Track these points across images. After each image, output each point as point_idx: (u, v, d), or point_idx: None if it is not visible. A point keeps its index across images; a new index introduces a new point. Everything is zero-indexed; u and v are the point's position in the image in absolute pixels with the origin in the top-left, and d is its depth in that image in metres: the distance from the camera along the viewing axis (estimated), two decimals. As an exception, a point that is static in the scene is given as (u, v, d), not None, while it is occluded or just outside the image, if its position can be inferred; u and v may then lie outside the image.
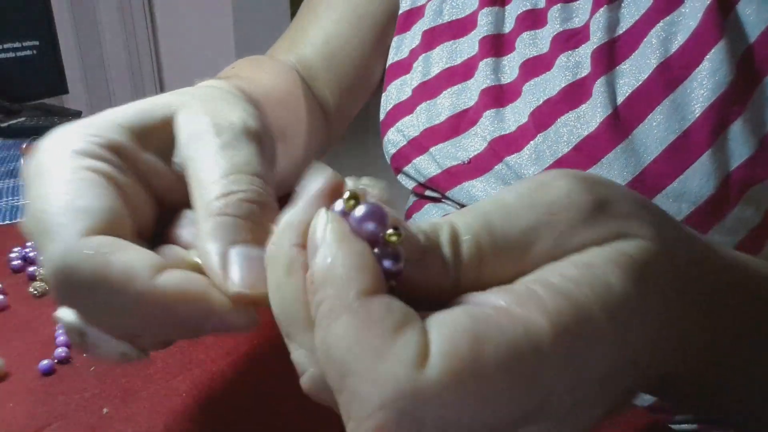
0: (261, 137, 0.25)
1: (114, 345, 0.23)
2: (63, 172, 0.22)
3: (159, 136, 0.25)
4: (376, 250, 0.17)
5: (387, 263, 0.17)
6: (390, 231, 0.17)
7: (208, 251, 0.21)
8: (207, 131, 0.23)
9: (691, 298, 0.20)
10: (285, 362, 0.35)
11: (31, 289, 0.43)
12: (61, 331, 0.37)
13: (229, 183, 0.22)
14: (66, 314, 0.24)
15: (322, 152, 0.61)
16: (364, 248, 0.17)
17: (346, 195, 0.18)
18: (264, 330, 0.38)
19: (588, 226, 0.18)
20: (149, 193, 0.25)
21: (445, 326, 0.16)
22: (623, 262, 0.18)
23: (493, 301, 0.17)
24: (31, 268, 0.45)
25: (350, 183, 0.19)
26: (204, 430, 0.30)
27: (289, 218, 0.18)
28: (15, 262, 0.46)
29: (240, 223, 0.21)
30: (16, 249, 0.48)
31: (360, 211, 0.17)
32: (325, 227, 0.17)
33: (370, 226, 0.17)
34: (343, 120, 0.62)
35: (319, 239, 0.17)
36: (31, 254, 0.47)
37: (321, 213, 0.17)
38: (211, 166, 0.22)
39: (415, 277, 0.18)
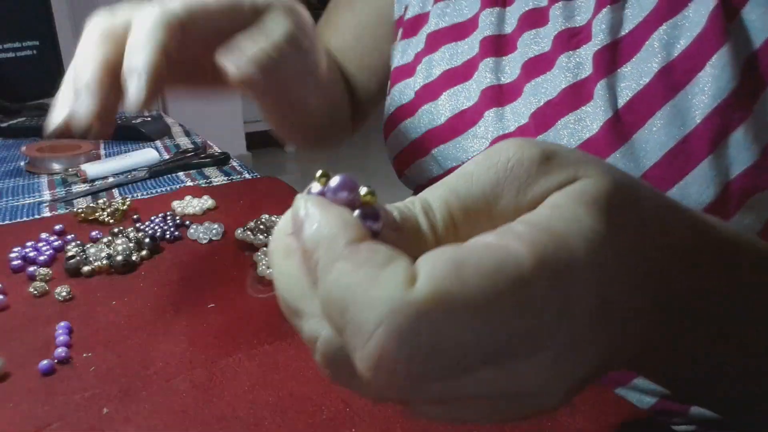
0: (300, 42, 0.42)
1: None
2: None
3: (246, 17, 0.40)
4: (357, 211, 0.19)
5: (368, 223, 0.19)
6: (364, 191, 0.19)
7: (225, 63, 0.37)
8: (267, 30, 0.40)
9: (655, 242, 0.21)
10: (285, 362, 0.35)
11: (31, 289, 0.43)
12: (61, 331, 0.37)
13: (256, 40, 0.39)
14: None
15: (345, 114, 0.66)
16: (343, 210, 0.18)
17: (318, 174, 0.19)
18: (264, 330, 0.38)
19: (543, 174, 0.20)
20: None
21: (430, 257, 0.17)
22: (586, 199, 0.19)
23: (472, 240, 0.18)
24: (31, 268, 0.45)
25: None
26: (204, 430, 0.30)
27: (280, 222, 0.20)
28: (15, 262, 0.46)
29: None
30: (16, 249, 0.48)
31: (333, 182, 0.19)
32: (305, 204, 0.19)
33: (344, 194, 0.19)
34: (370, 102, 0.68)
35: (303, 214, 0.19)
36: (30, 254, 0.47)
37: (299, 196, 0.19)
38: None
39: (402, 242, 0.19)
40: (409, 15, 0.56)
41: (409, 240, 0.19)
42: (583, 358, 0.19)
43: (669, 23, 0.39)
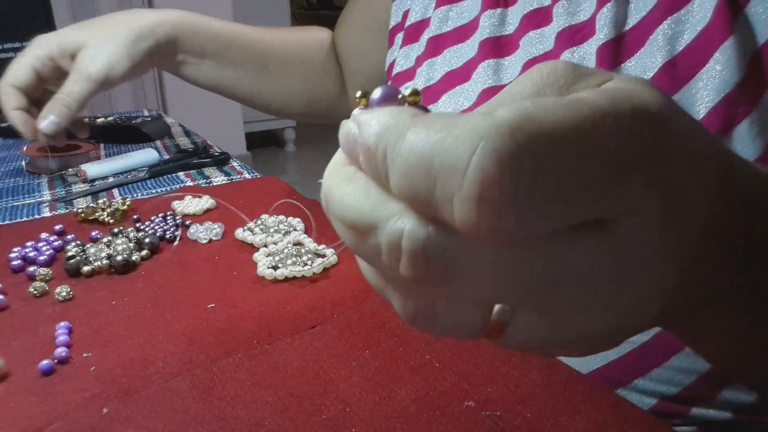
0: (97, 81, 0.62)
1: None
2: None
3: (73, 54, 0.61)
4: (409, 98, 0.18)
5: None
6: (408, 92, 0.18)
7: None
8: (78, 70, 0.62)
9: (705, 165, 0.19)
10: (285, 362, 0.35)
11: (31, 289, 0.43)
12: (61, 331, 0.37)
13: (61, 97, 0.61)
14: None
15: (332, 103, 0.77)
16: (394, 106, 0.17)
17: (358, 95, 0.19)
18: (264, 330, 0.38)
19: (580, 77, 0.19)
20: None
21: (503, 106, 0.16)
22: (642, 84, 0.18)
23: None
24: (31, 268, 0.45)
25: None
26: (204, 430, 0.30)
27: (331, 163, 0.19)
28: (15, 262, 0.46)
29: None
30: (16, 249, 0.48)
31: (375, 95, 0.18)
32: (353, 120, 0.18)
33: (389, 102, 0.18)
34: None
35: (355, 127, 0.17)
36: (30, 254, 0.47)
37: (344, 122, 0.18)
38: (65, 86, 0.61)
39: None
40: (410, 21, 0.57)
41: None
42: (676, 243, 0.17)
43: (673, 17, 0.39)
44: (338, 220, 0.18)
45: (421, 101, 0.18)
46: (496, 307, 0.18)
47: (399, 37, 0.59)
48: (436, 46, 0.53)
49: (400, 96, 0.18)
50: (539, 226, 0.15)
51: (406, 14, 0.59)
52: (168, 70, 0.72)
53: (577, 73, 0.19)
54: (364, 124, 0.17)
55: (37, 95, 0.65)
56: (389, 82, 0.59)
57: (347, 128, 0.18)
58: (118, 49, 0.63)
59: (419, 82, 0.53)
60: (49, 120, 0.61)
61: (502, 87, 0.47)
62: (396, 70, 0.58)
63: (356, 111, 0.18)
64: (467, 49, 0.50)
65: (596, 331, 0.18)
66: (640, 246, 0.17)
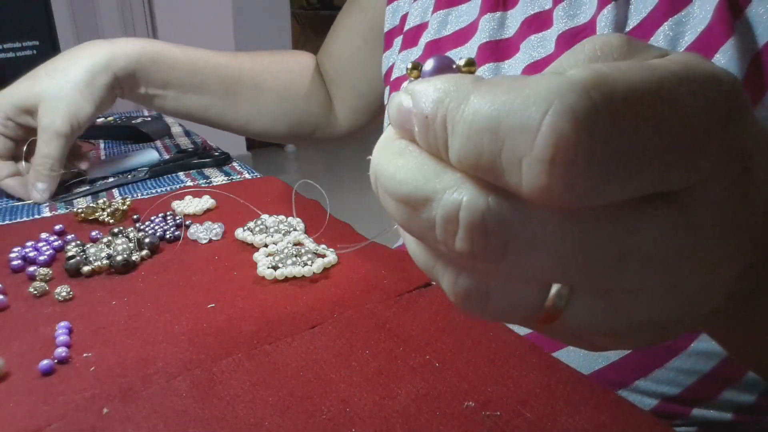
0: (66, 135, 0.60)
1: None
2: None
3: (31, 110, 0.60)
4: (464, 67, 0.17)
5: None
6: (463, 62, 0.17)
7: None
8: (44, 129, 0.59)
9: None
10: (285, 362, 0.35)
11: (31, 289, 0.43)
12: (61, 331, 0.37)
13: (40, 162, 0.59)
14: None
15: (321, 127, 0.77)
16: (450, 74, 0.16)
17: (409, 67, 0.18)
18: (264, 330, 0.38)
19: (635, 50, 0.18)
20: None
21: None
22: (700, 59, 0.17)
23: None
24: (31, 268, 0.45)
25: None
26: (204, 430, 0.30)
27: (381, 139, 0.18)
28: (15, 262, 0.46)
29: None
30: (16, 249, 0.48)
31: (428, 66, 0.17)
32: (407, 92, 0.17)
33: (443, 73, 0.17)
34: (356, 117, 0.76)
35: (406, 101, 0.16)
36: (30, 254, 0.47)
37: (394, 94, 0.17)
38: (39, 148, 0.59)
39: None
40: (409, 25, 0.57)
41: None
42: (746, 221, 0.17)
43: (674, 19, 0.39)
44: (389, 195, 0.17)
45: (476, 71, 0.17)
46: (552, 289, 0.17)
47: (398, 41, 0.60)
48: (435, 49, 0.53)
49: (454, 66, 0.17)
50: (613, 192, 0.14)
51: (404, 18, 0.59)
52: (136, 102, 0.70)
53: (631, 45, 0.18)
54: (419, 93, 0.16)
55: (16, 150, 0.63)
56: (387, 87, 0.59)
57: (398, 100, 0.17)
58: (76, 95, 0.60)
59: None
60: (39, 190, 0.60)
61: None
62: (395, 74, 0.58)
63: (406, 84, 0.17)
64: (466, 53, 0.50)
65: (658, 318, 0.17)
66: (712, 220, 0.16)
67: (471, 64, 0.17)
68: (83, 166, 0.67)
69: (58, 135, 0.59)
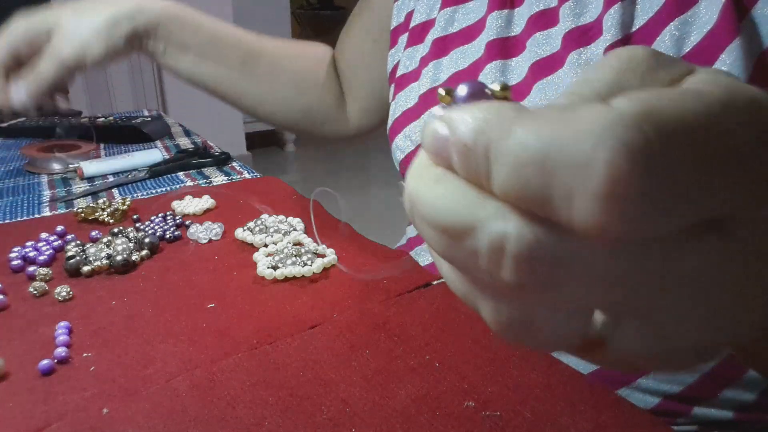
0: (68, 66, 0.61)
1: None
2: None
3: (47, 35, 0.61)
4: (497, 92, 0.17)
5: None
6: (497, 87, 0.17)
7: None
8: (49, 53, 0.61)
9: None
10: (285, 362, 0.35)
11: (31, 289, 0.43)
12: (61, 331, 0.37)
13: (32, 77, 0.61)
14: None
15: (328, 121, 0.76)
16: (488, 102, 0.16)
17: (442, 93, 0.17)
18: (264, 330, 0.38)
19: (662, 65, 0.18)
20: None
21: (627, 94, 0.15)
22: (731, 77, 0.17)
23: None
24: (31, 268, 0.45)
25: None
26: (204, 430, 0.30)
27: (414, 164, 0.18)
28: (15, 262, 0.46)
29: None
30: (16, 249, 0.48)
31: (462, 91, 0.17)
32: (443, 120, 0.16)
33: (477, 99, 0.17)
34: (369, 116, 0.75)
35: (442, 128, 0.16)
36: (30, 254, 0.47)
37: (428, 122, 0.17)
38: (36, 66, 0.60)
39: None
40: (415, 22, 0.57)
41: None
42: None
43: (680, 19, 0.39)
44: (428, 224, 0.16)
45: (510, 96, 0.17)
46: (597, 317, 0.17)
47: (403, 39, 0.59)
48: (443, 47, 0.53)
49: (487, 91, 0.17)
50: (665, 224, 0.14)
51: (409, 15, 0.59)
52: (151, 57, 0.70)
53: (659, 60, 0.18)
54: (457, 122, 0.16)
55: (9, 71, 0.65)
56: (393, 85, 0.59)
57: (434, 128, 0.16)
58: (93, 33, 0.62)
59: (425, 83, 0.53)
60: (20, 93, 0.61)
61: None
62: (400, 71, 0.58)
63: (437, 109, 0.17)
64: (474, 50, 0.50)
65: (701, 342, 0.17)
66: (757, 247, 0.16)
67: (505, 89, 0.17)
68: (62, 104, 0.68)
69: (61, 62, 0.60)
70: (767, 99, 0.16)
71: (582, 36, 0.44)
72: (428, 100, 0.52)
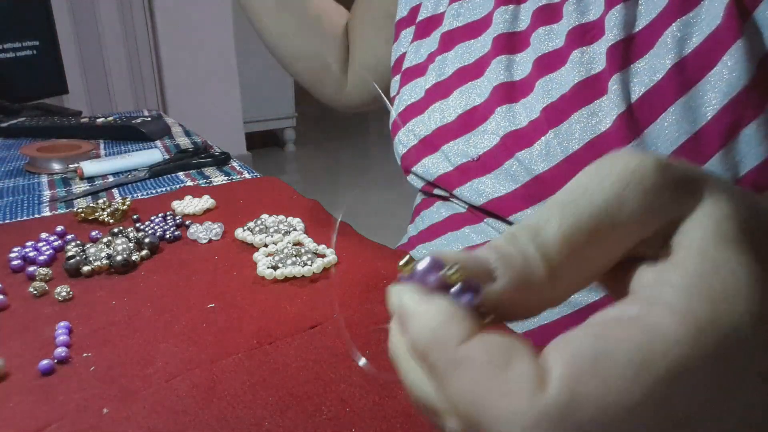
0: None
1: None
2: None
3: None
4: (452, 290, 0.18)
5: (465, 299, 0.18)
6: (448, 272, 0.18)
7: None
8: None
9: None
10: (285, 362, 0.35)
11: (31, 289, 0.43)
12: (61, 331, 0.37)
13: None
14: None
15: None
16: (440, 302, 0.17)
17: (402, 263, 0.19)
18: (264, 330, 0.38)
19: (665, 186, 0.18)
20: None
21: (562, 351, 0.16)
22: (731, 236, 0.17)
23: (612, 314, 0.16)
24: (31, 268, 0.45)
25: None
26: (204, 430, 0.30)
27: (392, 323, 0.19)
28: (15, 262, 0.46)
29: None
30: (16, 249, 0.48)
31: (420, 266, 0.18)
32: (399, 298, 0.18)
33: (433, 276, 0.18)
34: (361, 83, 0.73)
35: (401, 312, 0.18)
36: (30, 254, 0.47)
37: (391, 290, 0.19)
38: None
39: (510, 293, 0.18)
40: (421, 17, 0.57)
41: (516, 284, 0.18)
42: None
43: (682, 20, 0.39)
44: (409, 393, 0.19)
45: (464, 277, 0.18)
46: None
47: (408, 33, 0.59)
48: (448, 41, 0.53)
49: (441, 273, 0.18)
50: None
51: (415, 10, 0.59)
52: None
53: (666, 178, 0.17)
54: (410, 319, 0.17)
55: None
56: (398, 76, 0.59)
57: (393, 303, 0.18)
58: None
59: (431, 78, 0.53)
60: None
61: (513, 83, 0.47)
62: (406, 64, 0.58)
63: (401, 277, 0.19)
64: (479, 45, 0.51)
65: None
66: None
67: (456, 272, 0.18)
68: None
69: None
70: (756, 318, 0.16)
71: (585, 34, 0.44)
72: (433, 94, 0.52)
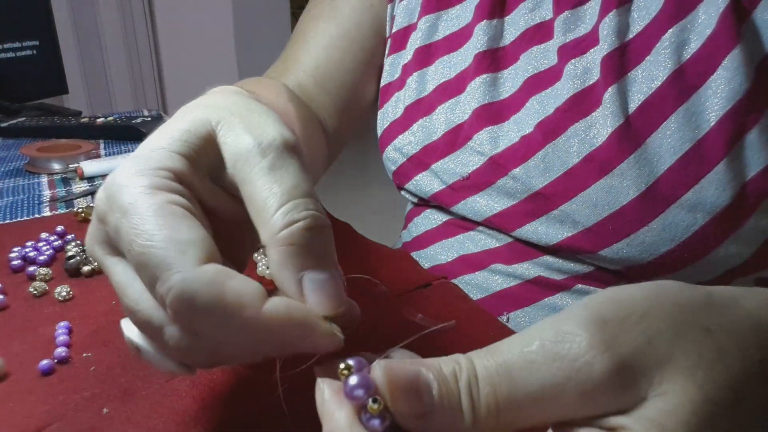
0: (299, 150, 0.26)
1: (164, 363, 0.26)
2: (149, 209, 0.23)
3: (206, 155, 0.26)
4: (371, 406, 0.20)
5: (374, 422, 0.20)
6: (369, 403, 0.20)
7: (282, 280, 0.23)
8: (252, 152, 0.24)
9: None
10: (284, 362, 0.35)
11: (31, 289, 0.43)
12: (61, 331, 0.37)
13: (288, 213, 0.23)
14: (127, 327, 0.26)
15: (322, 171, 0.60)
16: (352, 423, 0.20)
17: (341, 367, 0.21)
18: (264, 330, 0.38)
19: (613, 391, 0.18)
20: (208, 214, 0.26)
21: None
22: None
23: None
24: (30, 268, 0.45)
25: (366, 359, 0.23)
26: (204, 430, 0.30)
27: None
28: (15, 262, 0.46)
29: (304, 251, 0.23)
30: (15, 249, 0.48)
31: (352, 380, 0.21)
32: (323, 396, 0.22)
33: (360, 392, 0.20)
34: (341, 139, 0.63)
35: (322, 408, 0.22)
36: (30, 254, 0.47)
37: (318, 383, 0.22)
38: (266, 193, 0.24)
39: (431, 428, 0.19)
40: (396, 28, 0.56)
41: (443, 413, 0.19)
42: None
43: (678, 25, 0.39)
44: None
45: (381, 410, 0.20)
46: None
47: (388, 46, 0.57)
48: (427, 55, 0.52)
49: (372, 390, 0.20)
50: None
51: (393, 22, 0.56)
52: None
53: (613, 382, 0.18)
54: (326, 418, 0.21)
55: None
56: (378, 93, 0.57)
57: (319, 391, 0.22)
58: None
59: (410, 94, 0.52)
60: None
61: (500, 102, 0.46)
62: (384, 79, 0.56)
63: (342, 378, 0.21)
64: (460, 59, 0.49)
65: None
66: None
67: (378, 405, 0.20)
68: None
69: (288, 146, 0.27)
70: None
71: (575, 48, 0.43)
72: (414, 111, 0.51)
